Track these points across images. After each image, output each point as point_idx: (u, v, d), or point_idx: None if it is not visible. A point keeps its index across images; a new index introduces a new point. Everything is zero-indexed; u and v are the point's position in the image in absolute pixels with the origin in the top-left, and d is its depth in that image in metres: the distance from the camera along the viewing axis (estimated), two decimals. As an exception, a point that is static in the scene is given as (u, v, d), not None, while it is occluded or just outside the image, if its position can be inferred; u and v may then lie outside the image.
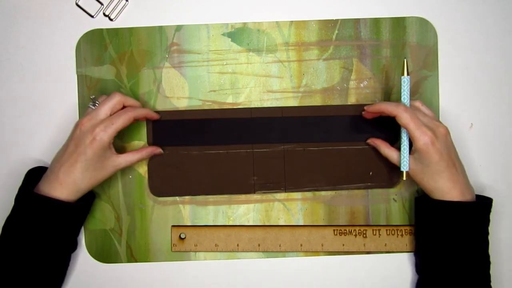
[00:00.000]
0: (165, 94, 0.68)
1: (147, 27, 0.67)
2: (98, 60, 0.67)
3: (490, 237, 0.62)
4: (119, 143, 0.67)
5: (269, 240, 0.68)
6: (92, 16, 0.68)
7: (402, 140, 0.62)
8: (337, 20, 0.68)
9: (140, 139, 0.68)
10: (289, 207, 0.68)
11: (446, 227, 0.61)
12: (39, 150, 0.67)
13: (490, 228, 0.62)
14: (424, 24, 0.68)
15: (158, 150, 0.66)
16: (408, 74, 0.62)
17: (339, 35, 0.68)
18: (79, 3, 0.68)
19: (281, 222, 0.68)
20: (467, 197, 0.61)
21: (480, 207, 0.61)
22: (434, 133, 0.59)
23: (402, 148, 0.62)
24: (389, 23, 0.68)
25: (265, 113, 0.68)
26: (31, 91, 0.68)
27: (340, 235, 0.68)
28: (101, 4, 0.68)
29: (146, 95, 0.67)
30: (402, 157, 0.62)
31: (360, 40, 0.68)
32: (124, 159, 0.63)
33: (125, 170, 0.67)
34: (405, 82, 0.62)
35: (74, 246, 0.65)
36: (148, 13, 0.68)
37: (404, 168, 0.62)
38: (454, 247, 0.61)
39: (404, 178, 0.62)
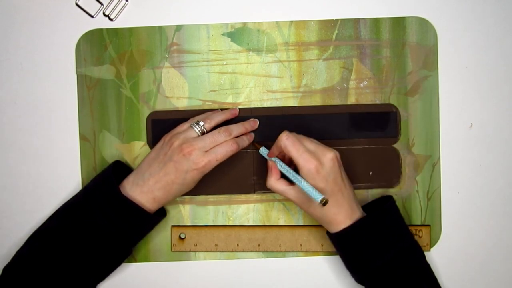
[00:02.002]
0: (165, 94, 0.68)
1: (147, 27, 0.67)
2: (98, 60, 0.67)
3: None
4: (118, 143, 0.67)
5: (269, 240, 0.68)
6: (92, 16, 0.68)
7: (296, 178, 0.59)
8: (337, 20, 0.68)
9: (140, 139, 0.68)
10: (289, 207, 0.68)
11: (349, 255, 0.62)
12: (39, 150, 0.67)
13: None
14: (424, 24, 0.68)
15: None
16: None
17: (339, 35, 0.68)
18: (79, 3, 0.68)
19: (281, 222, 0.68)
20: (353, 217, 0.60)
21: (367, 222, 0.60)
22: (319, 160, 0.58)
23: (301, 184, 0.58)
24: (389, 23, 0.68)
25: (265, 113, 0.68)
26: (31, 91, 0.67)
27: (340, 235, 0.68)
28: (101, 4, 0.68)
29: (146, 95, 0.68)
30: (308, 190, 0.57)
31: (360, 40, 0.68)
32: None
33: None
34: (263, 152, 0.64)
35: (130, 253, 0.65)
36: (148, 13, 0.68)
37: (318, 197, 0.56)
38: (372, 264, 0.60)
39: (324, 202, 0.56)
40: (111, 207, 0.59)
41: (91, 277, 0.61)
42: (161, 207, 0.64)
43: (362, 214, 0.62)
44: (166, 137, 0.62)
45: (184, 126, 0.63)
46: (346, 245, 0.62)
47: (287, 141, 0.59)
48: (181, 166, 0.60)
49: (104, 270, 0.62)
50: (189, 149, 0.60)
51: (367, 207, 0.66)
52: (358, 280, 0.63)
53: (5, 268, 0.60)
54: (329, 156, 0.59)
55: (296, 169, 0.60)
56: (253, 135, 0.66)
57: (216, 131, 0.62)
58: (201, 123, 0.62)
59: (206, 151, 0.60)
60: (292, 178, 0.59)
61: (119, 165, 0.66)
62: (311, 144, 0.60)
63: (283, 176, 0.62)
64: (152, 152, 0.62)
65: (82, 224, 0.60)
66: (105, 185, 0.61)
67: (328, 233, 0.63)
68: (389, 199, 0.65)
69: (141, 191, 0.60)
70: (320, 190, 0.58)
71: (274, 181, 0.61)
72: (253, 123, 0.66)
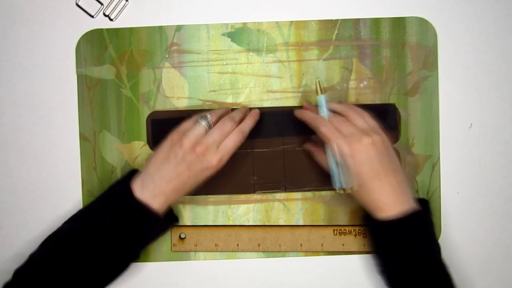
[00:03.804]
0: (165, 94, 0.68)
1: (147, 27, 0.67)
2: (98, 60, 0.67)
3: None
4: (118, 143, 0.67)
5: (269, 240, 0.68)
6: (92, 16, 0.68)
7: (329, 156, 0.60)
8: (337, 20, 0.68)
9: (140, 139, 0.68)
10: (289, 207, 0.68)
11: (390, 245, 0.60)
12: (39, 150, 0.67)
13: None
14: (424, 24, 0.68)
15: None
16: (322, 92, 0.62)
17: (339, 35, 0.68)
18: (79, 3, 0.68)
19: (281, 222, 0.68)
20: (398, 207, 0.59)
21: (418, 216, 0.60)
22: (360, 142, 0.58)
23: (330, 165, 0.60)
24: (389, 23, 0.68)
25: (265, 113, 0.68)
26: (31, 91, 0.67)
27: (340, 235, 0.68)
28: (101, 4, 0.68)
29: (146, 95, 0.68)
30: (332, 174, 0.59)
31: (360, 40, 0.68)
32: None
33: (126, 169, 0.67)
34: (321, 101, 0.62)
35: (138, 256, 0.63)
36: (148, 13, 0.68)
37: (336, 185, 0.58)
38: (407, 261, 0.59)
39: (340, 192, 0.59)
40: (123, 212, 0.59)
41: (99, 280, 0.61)
42: (173, 214, 0.65)
43: (413, 205, 0.59)
44: (174, 137, 0.61)
45: (189, 123, 0.62)
46: (392, 235, 0.59)
47: (323, 128, 0.60)
48: (195, 167, 0.59)
49: (112, 273, 0.62)
50: (202, 149, 0.59)
51: None
52: (389, 278, 0.61)
53: (16, 271, 0.59)
54: (365, 141, 0.58)
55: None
56: (257, 111, 0.65)
57: (220, 122, 0.61)
58: (209, 116, 0.61)
59: (217, 149, 0.60)
60: (328, 157, 0.60)
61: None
62: (348, 128, 0.59)
63: None
64: (160, 152, 0.61)
65: (92, 228, 0.59)
66: (119, 190, 0.61)
67: (367, 220, 0.62)
68: (426, 202, 0.64)
69: (153, 194, 0.59)
70: (364, 173, 0.58)
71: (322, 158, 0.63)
72: (255, 114, 0.66)
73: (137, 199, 0.59)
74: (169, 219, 0.63)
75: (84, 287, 0.59)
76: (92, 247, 0.59)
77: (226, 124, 0.61)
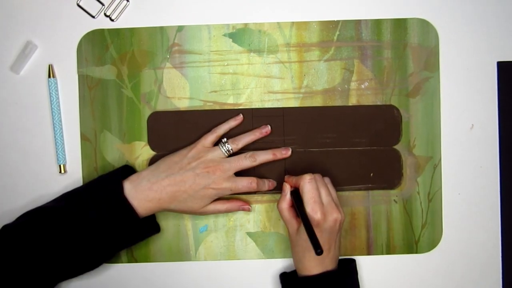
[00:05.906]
0: (166, 95, 0.68)
1: (149, 28, 0.67)
2: (100, 60, 0.67)
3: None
4: (119, 143, 0.67)
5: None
6: (93, 17, 0.68)
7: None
8: (338, 21, 0.68)
9: (141, 139, 0.68)
10: (290, 208, 0.68)
11: None
12: (39, 150, 0.68)
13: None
14: (425, 25, 0.67)
15: (247, 207, 0.67)
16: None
17: (340, 36, 0.68)
18: (80, 4, 0.68)
19: (282, 223, 0.68)
20: (326, 267, 0.61)
21: (337, 275, 0.61)
22: (325, 215, 0.59)
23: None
24: (390, 24, 0.67)
25: (266, 114, 0.68)
26: (32, 91, 0.67)
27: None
28: (102, 4, 0.68)
29: (147, 96, 0.68)
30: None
31: (361, 41, 0.68)
32: (213, 207, 0.64)
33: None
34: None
35: (111, 258, 0.63)
36: (149, 14, 0.68)
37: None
38: None
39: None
40: (109, 208, 0.59)
41: (64, 267, 0.60)
42: (156, 223, 0.65)
43: (334, 266, 0.62)
44: (193, 149, 0.63)
45: (211, 137, 0.64)
46: None
47: (307, 184, 0.60)
48: (200, 180, 0.61)
49: (81, 265, 0.61)
50: (214, 168, 0.62)
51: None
52: None
53: None
54: (335, 216, 0.60)
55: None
56: (275, 183, 0.66)
57: (242, 155, 0.64)
58: (229, 146, 0.63)
59: (228, 176, 0.62)
60: (302, 220, 0.59)
61: (129, 169, 0.67)
62: (326, 197, 0.61)
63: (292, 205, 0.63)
64: (175, 156, 0.63)
65: (74, 213, 0.59)
66: (110, 184, 0.61)
67: (283, 277, 0.65)
68: (352, 261, 0.66)
69: (150, 187, 0.61)
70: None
71: (287, 207, 0.62)
72: (285, 152, 0.66)
73: (125, 198, 0.60)
74: (152, 227, 0.64)
75: (48, 269, 0.58)
76: (70, 230, 0.58)
77: (246, 160, 0.63)
